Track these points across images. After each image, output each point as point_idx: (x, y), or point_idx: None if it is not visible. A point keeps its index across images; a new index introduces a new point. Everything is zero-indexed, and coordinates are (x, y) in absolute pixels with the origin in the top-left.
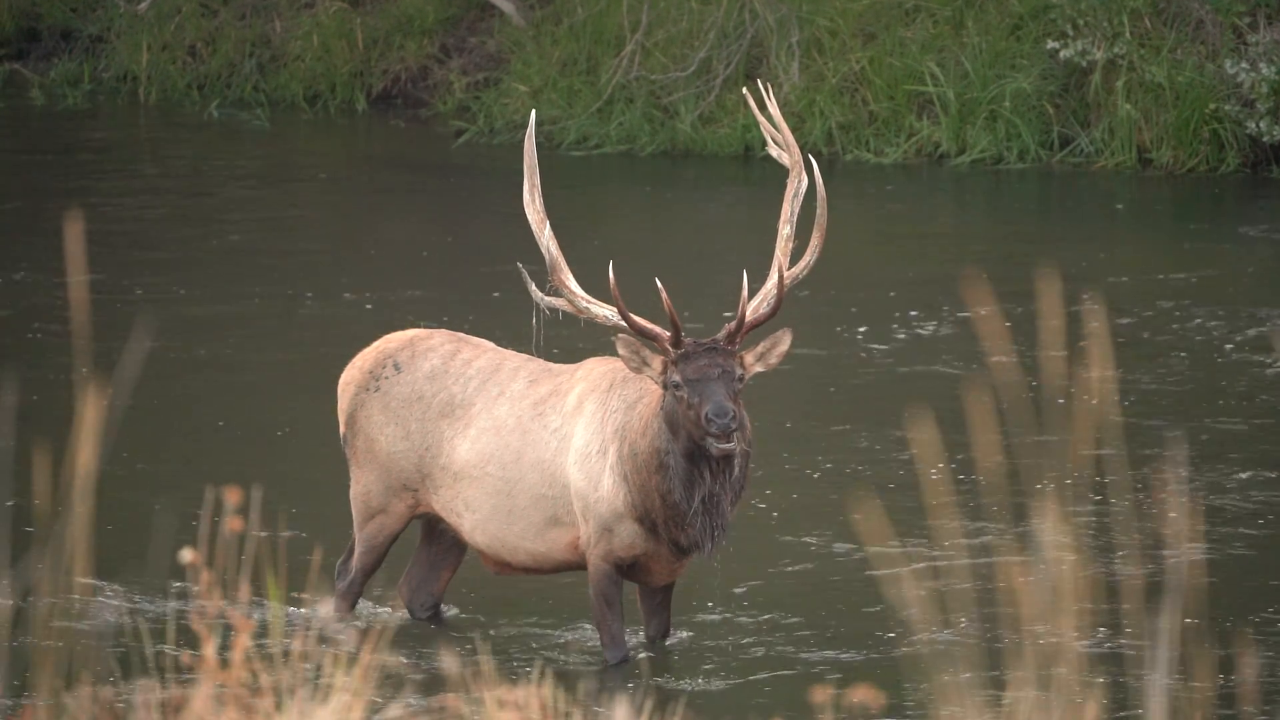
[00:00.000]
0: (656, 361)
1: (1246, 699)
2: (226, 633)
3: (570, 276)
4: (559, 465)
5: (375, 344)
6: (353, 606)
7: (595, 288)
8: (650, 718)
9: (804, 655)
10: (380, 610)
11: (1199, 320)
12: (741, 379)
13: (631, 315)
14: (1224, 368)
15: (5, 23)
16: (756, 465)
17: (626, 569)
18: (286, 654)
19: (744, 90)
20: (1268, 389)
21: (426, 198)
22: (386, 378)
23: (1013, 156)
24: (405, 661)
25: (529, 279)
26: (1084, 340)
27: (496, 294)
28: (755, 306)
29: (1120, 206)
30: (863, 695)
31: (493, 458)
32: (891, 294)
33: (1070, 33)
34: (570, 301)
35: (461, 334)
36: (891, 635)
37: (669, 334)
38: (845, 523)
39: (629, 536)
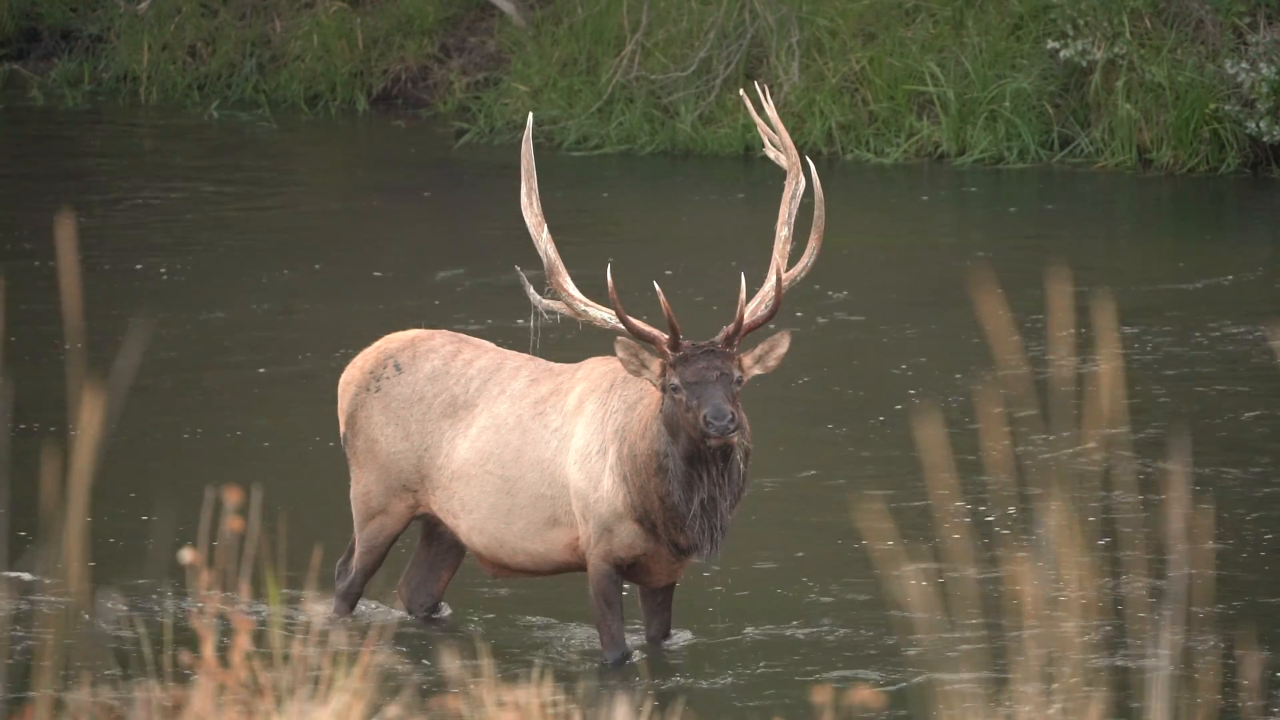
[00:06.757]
0: (655, 364)
1: (1250, 696)
2: (226, 633)
3: (568, 279)
4: (559, 465)
5: (376, 344)
6: (353, 607)
7: (594, 290)
8: (650, 718)
9: (804, 655)
10: (380, 610)
11: (1200, 320)
12: (740, 381)
13: (629, 318)
14: (1226, 367)
15: (5, 23)
16: (757, 465)
17: (626, 569)
18: (286, 654)
19: (741, 92)
20: (1270, 388)
21: (427, 198)
22: (387, 378)
23: (1013, 156)
24: (405, 661)
25: (527, 282)
26: (1088, 339)
27: (496, 295)
28: (753, 309)
29: (1120, 207)
30: (863, 695)
31: (492, 456)
32: (892, 294)
33: (1070, 33)
34: (568, 304)
35: (462, 335)
36: (892, 635)
37: (667, 337)
38: (847, 521)
39: (628, 537)
